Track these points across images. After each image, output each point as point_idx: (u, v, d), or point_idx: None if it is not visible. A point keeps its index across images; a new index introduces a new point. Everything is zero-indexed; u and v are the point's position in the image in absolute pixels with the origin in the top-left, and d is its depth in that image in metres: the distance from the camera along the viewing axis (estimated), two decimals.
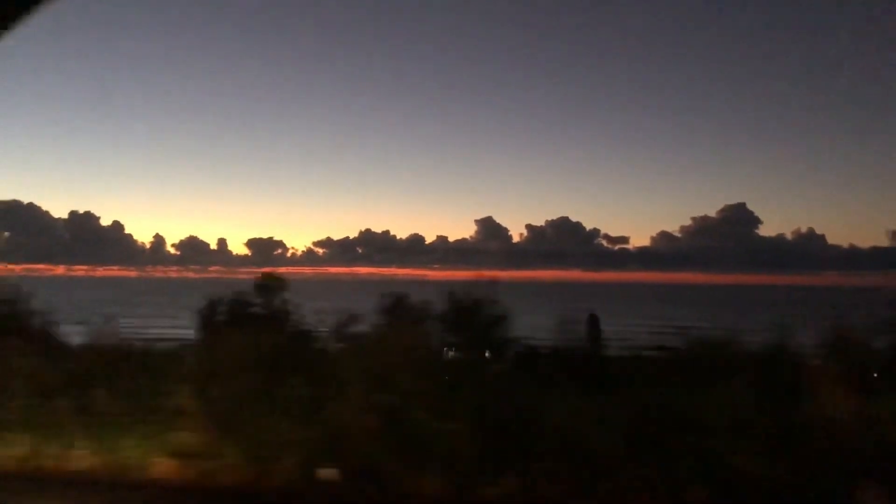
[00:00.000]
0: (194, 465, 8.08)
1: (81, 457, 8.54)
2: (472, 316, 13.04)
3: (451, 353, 12.03)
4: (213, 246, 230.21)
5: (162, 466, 8.18)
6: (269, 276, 16.05)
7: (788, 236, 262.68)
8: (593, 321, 14.86)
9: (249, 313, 15.61)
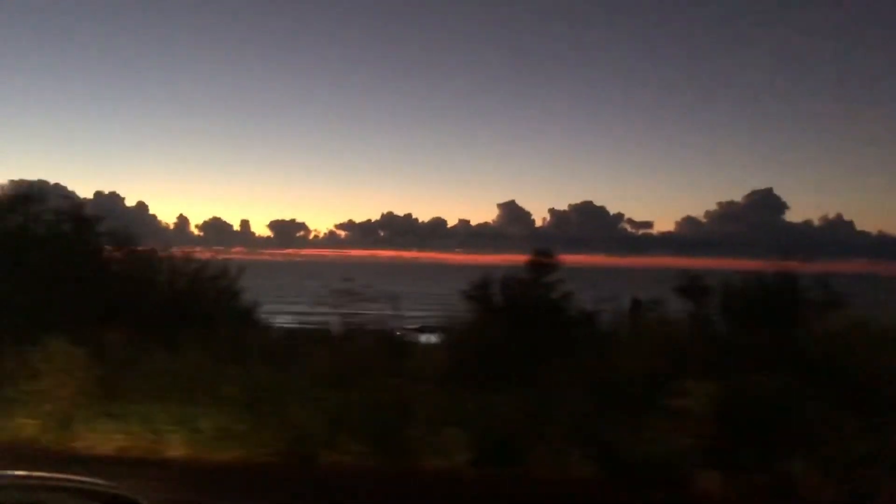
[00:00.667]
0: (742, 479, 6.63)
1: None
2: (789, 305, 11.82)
3: None
4: (237, 227, 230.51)
5: (708, 482, 6.71)
6: (544, 255, 14.61)
7: (816, 222, 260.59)
8: (636, 306, 13.43)
9: (529, 297, 14.18)
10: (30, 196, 14.01)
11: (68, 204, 14.25)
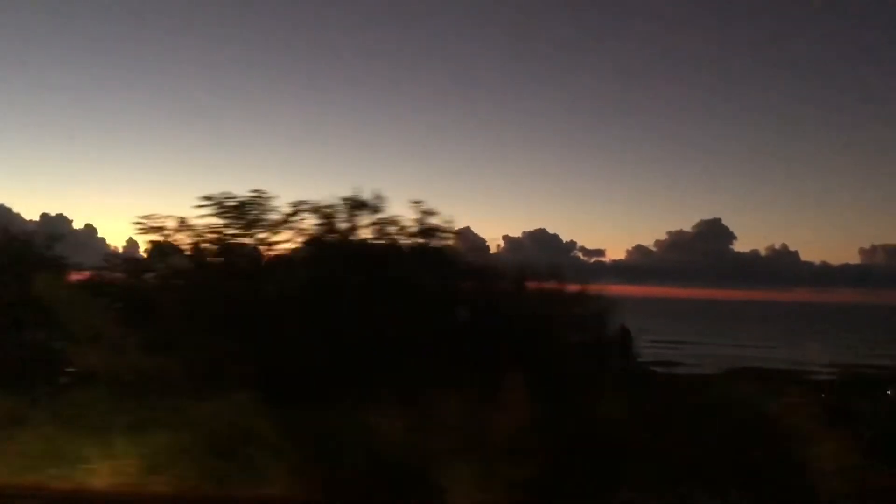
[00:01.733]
0: None
1: None
2: None
3: None
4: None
5: None
6: None
7: (762, 252, 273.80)
8: (624, 335, 12.53)
9: None
10: (358, 202, 10.22)
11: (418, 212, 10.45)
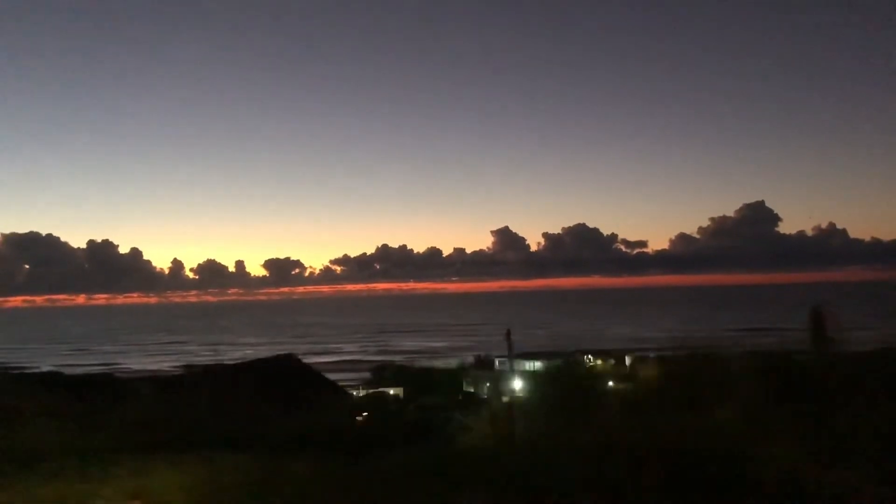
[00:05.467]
0: None
1: None
2: None
3: None
4: (232, 268, 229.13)
5: None
6: None
7: (809, 232, 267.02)
8: (817, 317, 10.98)
9: None
10: None
11: None
